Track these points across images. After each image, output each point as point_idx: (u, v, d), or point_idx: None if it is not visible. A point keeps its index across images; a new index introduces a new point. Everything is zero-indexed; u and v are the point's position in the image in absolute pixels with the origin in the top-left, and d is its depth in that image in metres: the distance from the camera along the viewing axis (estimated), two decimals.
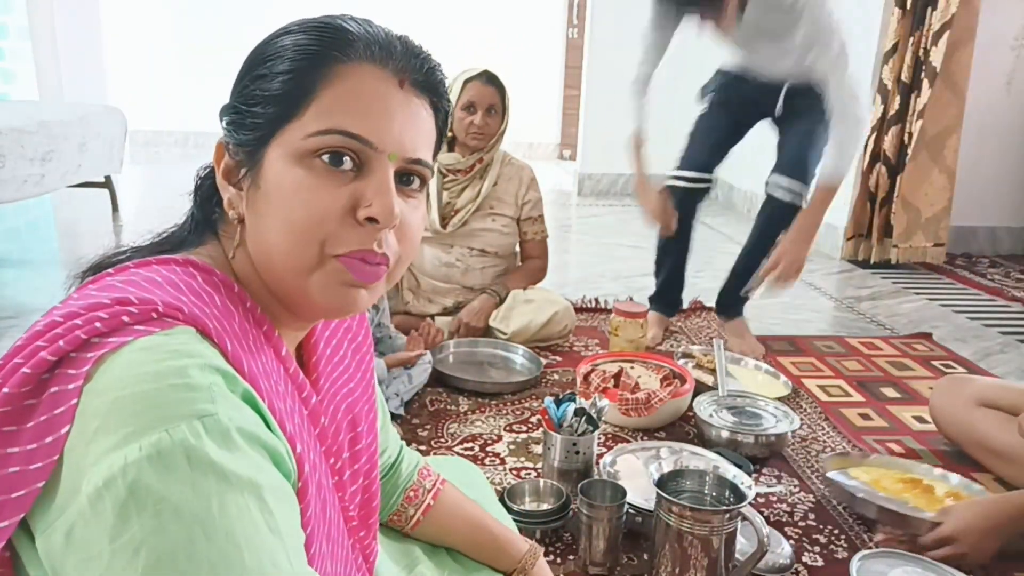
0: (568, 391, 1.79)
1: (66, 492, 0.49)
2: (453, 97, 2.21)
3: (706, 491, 1.26)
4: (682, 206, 2.27)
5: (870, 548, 1.38)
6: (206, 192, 0.68)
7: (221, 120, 0.65)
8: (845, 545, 1.41)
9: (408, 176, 0.64)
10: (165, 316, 0.54)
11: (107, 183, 3.98)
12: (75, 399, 0.50)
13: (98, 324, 0.53)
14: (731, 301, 2.44)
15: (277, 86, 0.61)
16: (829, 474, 1.57)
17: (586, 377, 1.91)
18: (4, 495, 0.50)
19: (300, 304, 0.65)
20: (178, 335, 0.53)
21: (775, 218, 2.19)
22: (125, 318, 0.53)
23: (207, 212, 0.68)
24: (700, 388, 1.97)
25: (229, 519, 0.49)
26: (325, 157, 0.60)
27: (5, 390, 0.51)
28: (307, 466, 0.60)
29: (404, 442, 1.03)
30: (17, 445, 0.50)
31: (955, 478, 1.57)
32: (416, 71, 0.64)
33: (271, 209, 0.61)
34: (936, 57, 3.29)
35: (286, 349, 0.65)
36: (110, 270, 0.61)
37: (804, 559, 1.37)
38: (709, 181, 2.30)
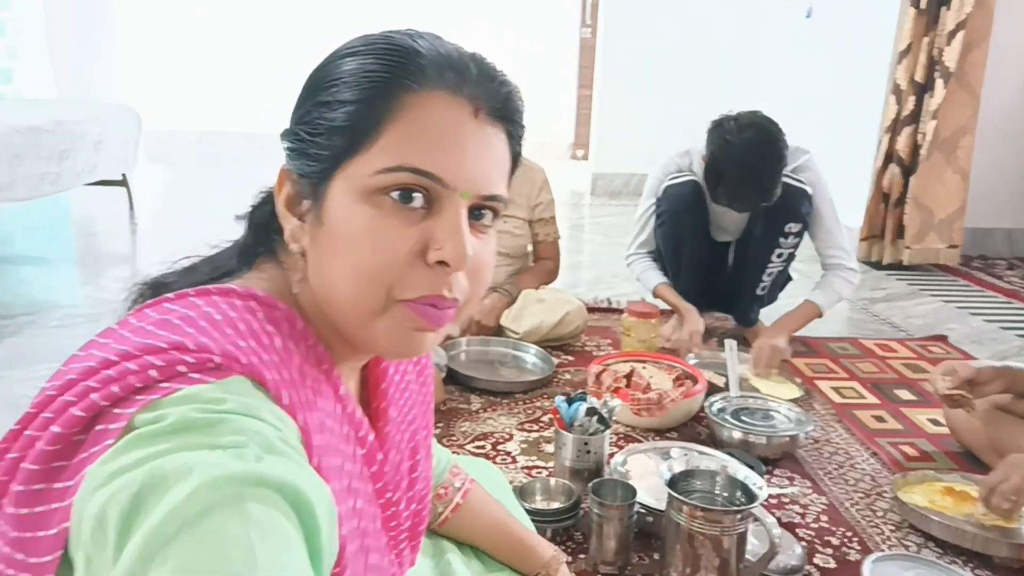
0: (580, 391, 1.79)
1: (77, 515, 0.47)
2: None
3: (717, 491, 1.25)
4: (695, 199, 2.25)
5: (883, 550, 1.38)
6: (264, 218, 0.65)
7: (282, 144, 0.61)
8: (857, 547, 1.40)
9: (480, 210, 0.60)
10: (221, 367, 0.52)
11: (123, 181, 4.01)
12: (114, 439, 0.48)
13: (153, 372, 0.50)
14: (746, 310, 2.44)
15: (342, 116, 0.57)
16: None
17: (598, 377, 1.91)
18: (44, 531, 0.48)
19: (364, 345, 0.62)
20: (231, 385, 0.51)
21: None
22: (181, 367, 0.51)
23: (263, 239, 0.65)
24: (712, 389, 1.97)
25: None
26: (394, 194, 0.56)
27: (55, 428, 0.50)
28: (344, 528, 0.57)
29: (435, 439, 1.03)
30: (62, 480, 0.49)
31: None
32: (492, 98, 0.59)
33: (336, 249, 0.57)
34: (950, 57, 3.26)
35: (344, 388, 0.63)
36: (169, 295, 0.58)
37: (816, 561, 1.36)
38: None
